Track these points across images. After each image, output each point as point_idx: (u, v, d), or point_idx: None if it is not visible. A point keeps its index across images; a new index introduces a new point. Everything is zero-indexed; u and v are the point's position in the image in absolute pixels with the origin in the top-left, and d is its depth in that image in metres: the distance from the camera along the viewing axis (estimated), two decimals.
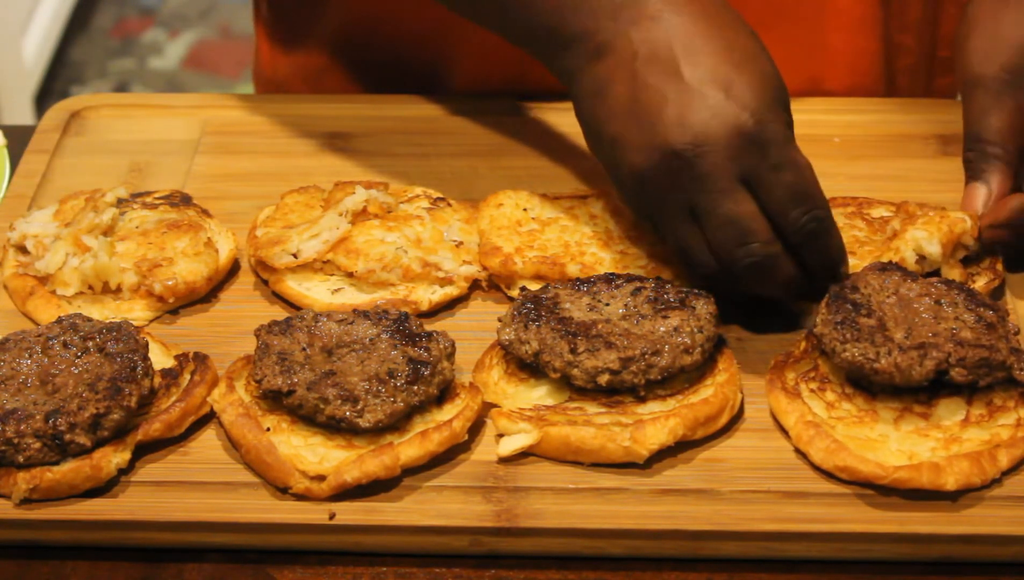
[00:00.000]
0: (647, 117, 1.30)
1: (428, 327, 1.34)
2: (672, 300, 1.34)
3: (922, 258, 1.41)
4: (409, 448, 1.25)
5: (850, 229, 1.47)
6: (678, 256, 1.36)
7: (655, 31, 1.32)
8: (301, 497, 1.24)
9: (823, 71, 1.68)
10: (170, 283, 1.41)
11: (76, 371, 1.29)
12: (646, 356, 1.29)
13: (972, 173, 1.44)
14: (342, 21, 1.72)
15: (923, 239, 1.41)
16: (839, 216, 1.48)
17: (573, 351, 1.29)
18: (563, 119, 1.62)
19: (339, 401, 1.26)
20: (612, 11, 1.34)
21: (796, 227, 1.31)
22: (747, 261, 1.31)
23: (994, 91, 1.42)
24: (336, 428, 1.27)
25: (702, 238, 1.32)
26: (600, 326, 1.32)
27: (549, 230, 1.48)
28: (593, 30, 1.34)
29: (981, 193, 1.43)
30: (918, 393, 1.29)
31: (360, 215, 1.47)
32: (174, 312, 1.44)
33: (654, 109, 1.30)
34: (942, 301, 1.32)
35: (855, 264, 1.42)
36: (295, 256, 1.44)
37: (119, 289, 1.43)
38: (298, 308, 1.42)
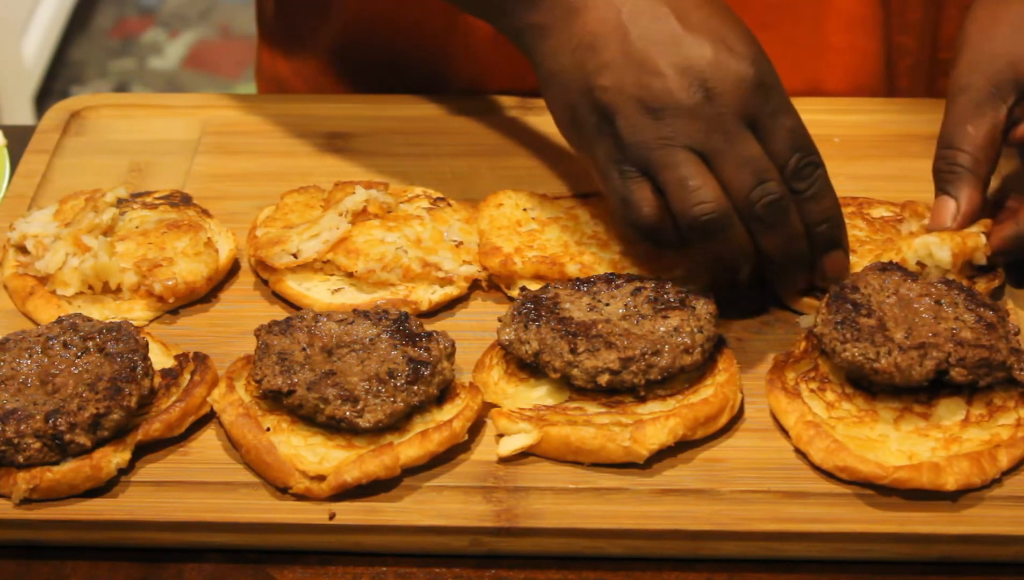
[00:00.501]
0: (648, 67, 1.31)
1: (428, 327, 1.34)
2: (672, 300, 1.34)
3: (922, 266, 1.41)
4: (409, 448, 1.25)
5: (850, 229, 1.47)
6: (674, 208, 1.32)
7: None
8: (301, 497, 1.24)
9: (823, 71, 1.68)
10: (170, 283, 1.41)
11: (76, 371, 1.29)
12: (646, 356, 1.29)
13: (941, 185, 1.44)
14: (344, 23, 1.72)
15: (934, 245, 1.40)
16: None
17: (573, 351, 1.29)
18: None
19: (339, 401, 1.26)
20: None
21: (796, 171, 1.32)
22: (767, 199, 1.31)
23: (976, 101, 1.42)
24: (336, 428, 1.27)
25: (711, 176, 1.31)
26: (600, 326, 1.31)
27: (549, 230, 1.48)
28: None
29: (950, 207, 1.43)
30: (918, 393, 1.29)
31: (360, 215, 1.47)
32: (174, 312, 1.44)
33: (654, 59, 1.31)
34: (942, 301, 1.32)
35: (855, 263, 1.42)
36: (295, 256, 1.44)
37: (119, 289, 1.43)
38: (298, 308, 1.42)
